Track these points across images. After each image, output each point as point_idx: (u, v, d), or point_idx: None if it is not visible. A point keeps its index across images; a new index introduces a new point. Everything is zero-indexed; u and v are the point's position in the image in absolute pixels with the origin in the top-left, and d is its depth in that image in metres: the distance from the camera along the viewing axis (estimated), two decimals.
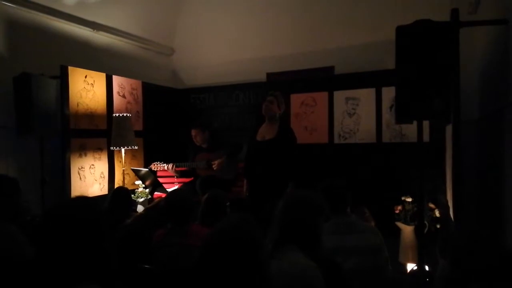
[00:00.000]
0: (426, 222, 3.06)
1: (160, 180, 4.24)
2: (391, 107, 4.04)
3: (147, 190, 4.02)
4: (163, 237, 2.36)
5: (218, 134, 4.47)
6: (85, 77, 4.00)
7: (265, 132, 3.50)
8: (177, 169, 4.24)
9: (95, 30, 4.44)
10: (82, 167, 3.92)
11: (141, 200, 3.91)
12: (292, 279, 1.43)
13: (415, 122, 2.43)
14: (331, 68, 4.77)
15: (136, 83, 4.76)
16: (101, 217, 1.28)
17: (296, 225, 1.61)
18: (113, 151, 4.22)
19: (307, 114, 4.57)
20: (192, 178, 4.37)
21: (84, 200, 1.34)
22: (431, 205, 3.28)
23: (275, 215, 1.67)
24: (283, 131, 3.47)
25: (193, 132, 4.28)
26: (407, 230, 3.31)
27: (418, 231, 3.01)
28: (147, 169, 4.12)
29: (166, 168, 4.21)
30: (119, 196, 2.90)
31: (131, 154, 4.50)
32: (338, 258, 1.96)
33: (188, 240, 2.21)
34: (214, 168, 4.10)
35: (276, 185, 3.24)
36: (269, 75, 5.17)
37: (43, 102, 3.50)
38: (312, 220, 1.65)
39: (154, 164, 4.27)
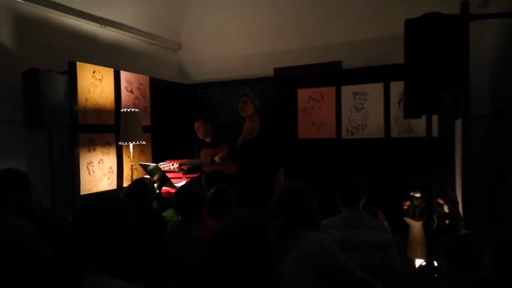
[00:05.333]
0: (434, 218, 3.04)
1: (168, 175, 4.26)
2: (399, 102, 4.01)
3: (155, 185, 4.04)
4: (174, 229, 2.39)
5: (222, 129, 4.46)
6: (93, 72, 4.02)
7: (249, 131, 3.80)
8: (182, 167, 4.26)
9: (103, 26, 4.45)
10: (91, 162, 3.95)
11: None
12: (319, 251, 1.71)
13: (424, 117, 2.40)
14: (339, 62, 4.73)
15: (144, 79, 4.77)
16: (131, 216, 1.37)
17: (298, 210, 1.81)
18: (121, 146, 4.25)
19: (315, 109, 4.55)
20: (199, 174, 4.38)
21: (116, 198, 1.43)
22: (440, 201, 3.25)
23: (270, 205, 1.87)
24: (265, 126, 3.79)
25: (196, 125, 4.31)
26: (416, 226, 3.30)
27: (426, 227, 2.99)
28: (155, 164, 4.14)
29: (172, 167, 4.25)
30: (136, 188, 2.84)
31: (139, 149, 4.53)
32: (347, 252, 1.96)
33: (200, 233, 2.23)
34: (217, 161, 4.12)
35: (266, 177, 3.61)
36: (276, 70, 5.15)
37: (51, 98, 3.52)
38: (310, 202, 1.87)
39: (161, 164, 4.31)
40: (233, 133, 4.00)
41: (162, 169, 4.24)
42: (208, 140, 4.34)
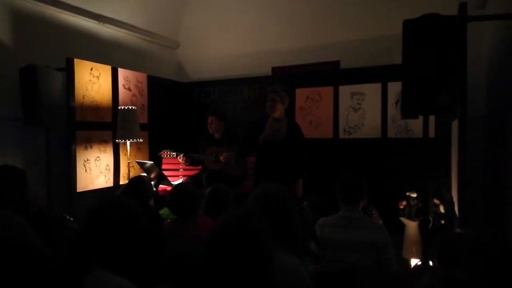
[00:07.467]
0: (430, 217, 3.05)
1: (165, 173, 4.26)
2: (396, 102, 4.02)
3: (152, 183, 4.03)
4: (171, 227, 2.39)
5: (233, 130, 4.41)
6: (91, 69, 4.00)
7: (274, 131, 3.38)
8: (186, 158, 4.24)
9: (101, 23, 4.44)
10: (87, 159, 3.94)
11: None
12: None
13: (420, 118, 2.41)
14: (337, 62, 4.74)
15: (142, 76, 4.76)
16: (140, 217, 1.43)
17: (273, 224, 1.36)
18: (118, 143, 4.24)
19: (312, 109, 4.55)
20: (198, 172, 4.37)
21: (124, 201, 1.47)
22: (436, 201, 3.26)
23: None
24: (292, 130, 3.43)
25: (209, 119, 4.27)
26: (412, 226, 3.30)
27: (422, 227, 3.00)
28: (152, 162, 4.13)
29: (177, 157, 4.22)
30: (134, 186, 2.80)
31: (136, 147, 4.52)
32: (342, 251, 1.97)
33: (196, 231, 2.23)
34: (221, 160, 4.08)
35: (287, 183, 3.17)
36: (274, 69, 5.15)
37: (49, 94, 3.52)
38: (283, 213, 1.54)
39: (164, 152, 4.27)
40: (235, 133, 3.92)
41: (163, 156, 4.23)
42: (217, 136, 4.31)
